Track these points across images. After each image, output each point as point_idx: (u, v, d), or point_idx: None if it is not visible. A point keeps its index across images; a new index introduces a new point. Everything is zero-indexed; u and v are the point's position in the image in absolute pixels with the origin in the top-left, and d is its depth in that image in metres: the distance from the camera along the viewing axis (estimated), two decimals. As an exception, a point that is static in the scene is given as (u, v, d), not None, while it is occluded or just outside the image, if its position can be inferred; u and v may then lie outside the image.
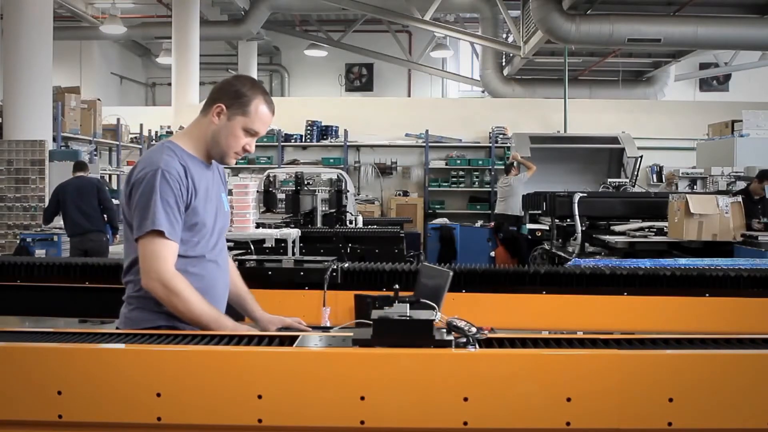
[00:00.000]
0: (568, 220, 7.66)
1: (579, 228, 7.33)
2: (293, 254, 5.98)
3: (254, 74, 18.88)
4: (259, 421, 1.74)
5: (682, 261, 4.32)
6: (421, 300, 1.94)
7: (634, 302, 3.19)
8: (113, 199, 10.44)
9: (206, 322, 2.18)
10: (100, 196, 7.68)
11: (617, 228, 7.32)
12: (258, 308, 2.49)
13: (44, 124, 8.80)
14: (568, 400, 1.71)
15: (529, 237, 9.17)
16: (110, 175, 11.47)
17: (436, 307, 1.92)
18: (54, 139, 9.08)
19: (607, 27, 10.85)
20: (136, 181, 2.20)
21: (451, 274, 2.19)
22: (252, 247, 5.15)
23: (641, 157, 11.29)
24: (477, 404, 1.72)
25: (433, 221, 12.10)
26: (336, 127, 13.47)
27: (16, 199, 8.66)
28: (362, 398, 1.73)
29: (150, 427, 1.76)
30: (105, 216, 7.70)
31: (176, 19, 14.22)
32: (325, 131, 13.52)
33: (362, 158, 13.53)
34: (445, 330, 1.83)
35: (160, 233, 2.15)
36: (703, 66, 18.53)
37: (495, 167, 12.91)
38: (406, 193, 13.42)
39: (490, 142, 13.17)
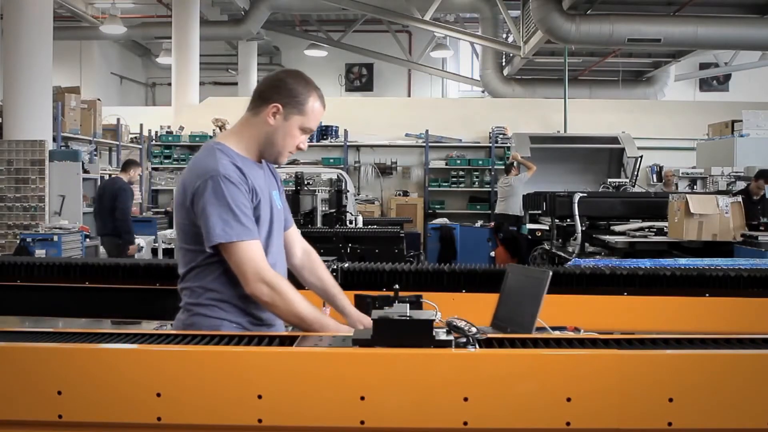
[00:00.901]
0: (568, 220, 7.66)
1: (579, 228, 7.33)
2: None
3: (254, 74, 18.91)
4: (259, 421, 1.74)
5: (682, 261, 4.31)
6: (422, 300, 1.94)
7: (634, 302, 3.19)
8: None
9: (309, 322, 2.14)
10: (114, 202, 7.79)
11: (617, 228, 7.31)
12: (348, 304, 2.45)
13: (44, 124, 8.79)
14: (568, 400, 1.71)
15: (529, 237, 9.17)
16: (110, 175, 11.46)
17: (436, 306, 1.92)
18: (54, 139, 9.07)
19: (607, 27, 10.85)
20: (197, 190, 2.15)
21: (551, 273, 2.16)
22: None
23: (641, 157, 11.29)
24: (477, 404, 1.72)
25: (433, 221, 12.10)
26: (336, 127, 13.47)
27: (16, 199, 8.65)
28: (362, 398, 1.73)
29: (150, 427, 1.76)
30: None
31: (176, 19, 14.21)
32: (325, 131, 13.52)
33: (362, 158, 13.53)
34: (445, 330, 1.83)
35: (249, 238, 2.13)
36: (703, 66, 18.54)
37: (495, 167, 12.91)
38: (406, 193, 13.42)
39: (490, 142, 13.16)
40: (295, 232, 2.53)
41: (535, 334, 2.14)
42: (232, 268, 2.17)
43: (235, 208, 2.12)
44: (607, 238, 7.08)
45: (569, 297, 3.23)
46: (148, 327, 3.38)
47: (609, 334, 2.16)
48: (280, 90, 2.23)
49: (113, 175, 7.95)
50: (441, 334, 1.80)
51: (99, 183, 9.23)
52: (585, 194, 7.61)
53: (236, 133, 2.30)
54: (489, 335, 1.89)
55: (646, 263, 3.69)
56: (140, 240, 9.07)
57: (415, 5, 14.55)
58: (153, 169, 13.05)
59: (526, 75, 16.51)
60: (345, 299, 2.47)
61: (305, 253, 2.54)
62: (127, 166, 8.21)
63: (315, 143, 13.55)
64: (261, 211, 2.23)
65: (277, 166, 2.41)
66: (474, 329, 1.82)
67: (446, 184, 13.34)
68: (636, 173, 11.32)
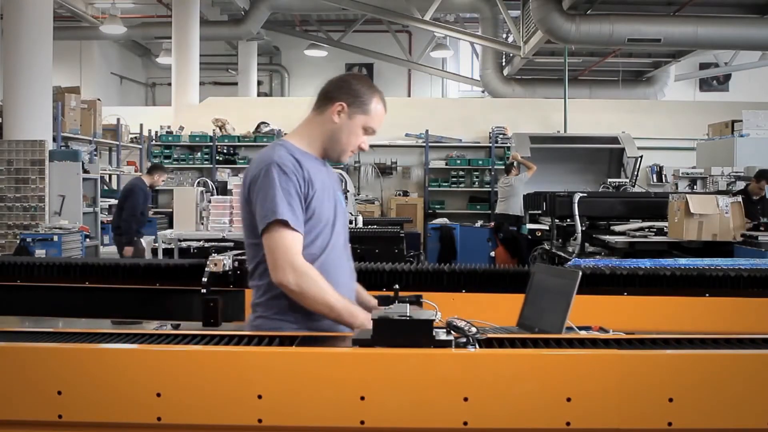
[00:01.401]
0: (568, 220, 7.66)
1: (579, 228, 7.33)
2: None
3: (254, 74, 18.92)
4: (259, 421, 1.74)
5: (682, 261, 4.30)
6: (422, 300, 1.94)
7: (634, 302, 3.19)
8: (112, 199, 10.50)
9: (338, 311, 2.14)
10: (125, 201, 7.85)
11: (617, 228, 7.31)
12: (371, 298, 2.46)
13: (44, 124, 8.79)
14: (568, 400, 1.71)
15: (529, 237, 9.17)
16: (110, 175, 11.47)
17: (436, 306, 1.92)
18: (54, 139, 9.08)
19: (607, 27, 10.85)
20: (253, 179, 2.20)
21: (580, 274, 2.16)
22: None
23: (641, 157, 11.29)
24: (477, 404, 1.72)
25: (433, 221, 12.10)
26: (336, 127, 13.43)
27: (16, 199, 8.66)
28: (362, 398, 1.73)
29: (150, 427, 1.76)
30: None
31: (176, 19, 14.22)
32: (325, 131, 13.50)
33: (362, 158, 13.53)
34: (445, 330, 1.83)
35: (285, 223, 2.13)
36: (703, 66, 18.54)
37: (495, 167, 12.90)
38: (406, 193, 13.42)
39: (490, 142, 13.16)
40: None
41: (564, 334, 2.13)
42: (265, 255, 2.16)
43: (281, 193, 2.14)
44: (607, 238, 7.08)
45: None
46: (148, 327, 3.38)
47: (635, 333, 2.14)
48: (344, 90, 2.30)
49: (138, 176, 8.09)
50: (441, 334, 1.80)
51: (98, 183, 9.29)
52: (585, 194, 7.60)
53: (300, 131, 2.36)
54: (515, 335, 1.88)
55: (646, 263, 3.68)
56: (140, 240, 9.07)
57: (415, 5, 14.54)
58: (153, 169, 13.05)
59: (526, 75, 16.50)
60: (367, 295, 2.48)
61: None
62: (153, 170, 8.27)
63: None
64: (318, 203, 2.23)
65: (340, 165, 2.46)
66: (474, 329, 1.82)
67: (446, 184, 13.34)
68: (636, 173, 11.32)
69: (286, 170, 2.17)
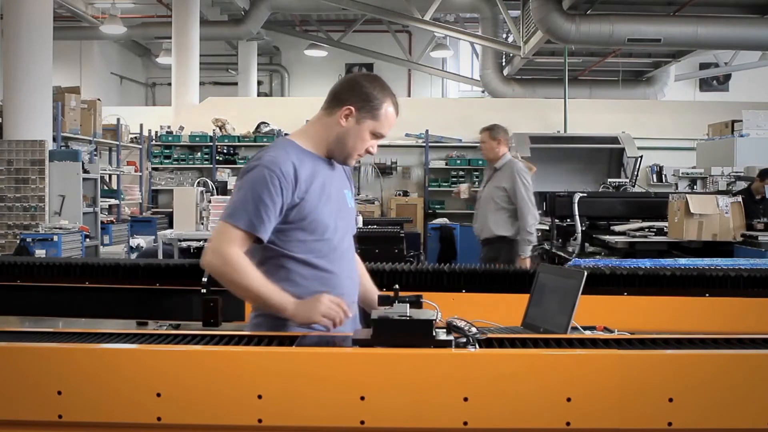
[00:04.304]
0: (568, 220, 7.66)
1: (579, 228, 7.32)
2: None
3: (254, 74, 18.91)
4: (259, 421, 1.74)
5: (682, 261, 4.30)
6: (422, 300, 1.93)
7: (634, 302, 3.19)
8: (112, 199, 10.49)
9: (267, 295, 2.11)
10: None
11: (617, 228, 7.30)
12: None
13: (44, 124, 8.78)
14: (568, 400, 1.71)
15: (529, 237, 9.15)
16: (110, 175, 11.47)
17: (436, 306, 1.92)
18: (54, 139, 9.07)
19: (607, 27, 10.84)
20: (241, 173, 2.20)
21: (586, 273, 2.15)
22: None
23: (641, 157, 11.28)
24: (477, 404, 1.72)
25: (433, 221, 12.09)
26: (336, 127, 13.43)
27: (16, 199, 8.65)
28: (362, 398, 1.73)
29: (150, 427, 1.76)
30: None
31: (176, 19, 14.21)
32: (325, 131, 13.49)
33: (362, 158, 13.51)
34: (445, 330, 1.83)
35: (237, 225, 2.12)
36: (703, 66, 18.53)
37: (495, 167, 12.88)
38: (406, 193, 13.41)
39: (490, 142, 13.14)
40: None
41: (569, 335, 2.13)
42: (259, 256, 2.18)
43: (249, 196, 2.13)
44: (607, 238, 7.07)
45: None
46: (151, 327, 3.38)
47: (636, 334, 2.14)
48: (355, 93, 2.24)
49: None
50: (441, 334, 1.80)
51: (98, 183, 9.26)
52: (585, 194, 7.60)
53: (308, 131, 2.32)
54: (520, 335, 1.87)
55: (646, 263, 3.68)
56: (140, 240, 9.08)
57: (415, 5, 14.54)
58: (153, 169, 13.05)
59: (526, 75, 16.50)
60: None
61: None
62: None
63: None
64: (312, 207, 2.19)
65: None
66: (474, 329, 1.82)
67: (446, 184, 13.33)
68: (636, 173, 11.31)
69: (270, 174, 2.13)
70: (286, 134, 10.62)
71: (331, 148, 2.28)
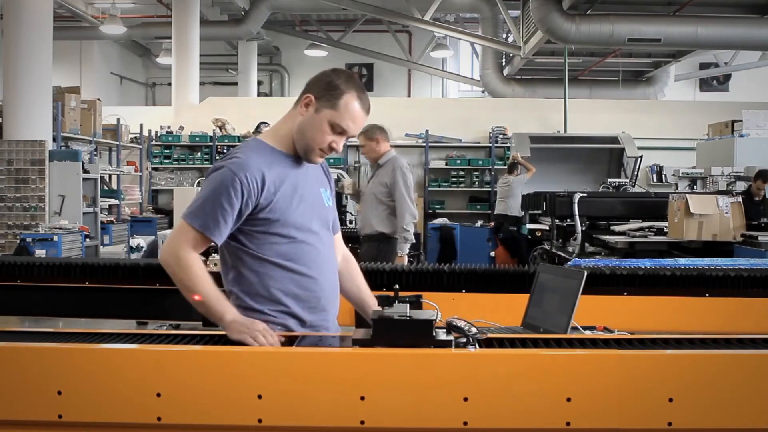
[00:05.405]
0: (568, 220, 7.66)
1: (579, 228, 7.33)
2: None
3: (254, 74, 18.90)
4: (259, 421, 1.74)
5: (682, 261, 4.31)
6: (422, 300, 1.94)
7: (634, 302, 3.19)
8: (112, 199, 10.48)
9: (210, 301, 2.07)
10: None
11: (617, 228, 7.31)
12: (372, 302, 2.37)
13: (44, 124, 8.78)
14: (568, 400, 1.71)
15: (529, 237, 9.17)
16: (110, 175, 11.46)
17: (436, 306, 1.92)
18: (54, 139, 9.07)
19: (607, 27, 10.84)
20: (210, 169, 2.19)
21: (586, 273, 2.15)
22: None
23: (641, 157, 11.28)
24: (477, 404, 1.72)
25: (433, 221, 12.09)
26: (336, 127, 13.42)
27: (16, 199, 8.65)
28: (362, 398, 1.73)
29: (150, 427, 1.76)
30: None
31: (176, 19, 14.21)
32: (324, 131, 13.48)
33: (362, 158, 13.51)
34: (445, 330, 1.83)
35: (193, 225, 2.10)
36: (703, 66, 18.53)
37: (495, 167, 12.90)
38: (406, 193, 13.40)
39: (490, 142, 13.15)
40: (338, 238, 2.45)
41: (568, 335, 2.13)
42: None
43: (209, 199, 2.10)
44: (607, 238, 7.08)
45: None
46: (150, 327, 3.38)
47: (636, 334, 2.13)
48: (319, 83, 2.18)
49: None
50: (441, 334, 1.80)
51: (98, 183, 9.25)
52: (585, 194, 7.60)
53: (278, 127, 2.27)
54: (521, 335, 1.87)
55: (646, 263, 3.68)
56: (140, 240, 9.07)
57: (415, 5, 14.53)
58: (153, 169, 13.05)
59: (526, 75, 16.49)
60: (371, 299, 2.40)
61: (345, 259, 2.47)
62: None
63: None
64: (281, 207, 2.15)
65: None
66: (474, 329, 1.82)
67: (446, 184, 13.33)
68: (636, 173, 11.31)
69: (232, 177, 2.09)
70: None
71: (295, 142, 2.21)
